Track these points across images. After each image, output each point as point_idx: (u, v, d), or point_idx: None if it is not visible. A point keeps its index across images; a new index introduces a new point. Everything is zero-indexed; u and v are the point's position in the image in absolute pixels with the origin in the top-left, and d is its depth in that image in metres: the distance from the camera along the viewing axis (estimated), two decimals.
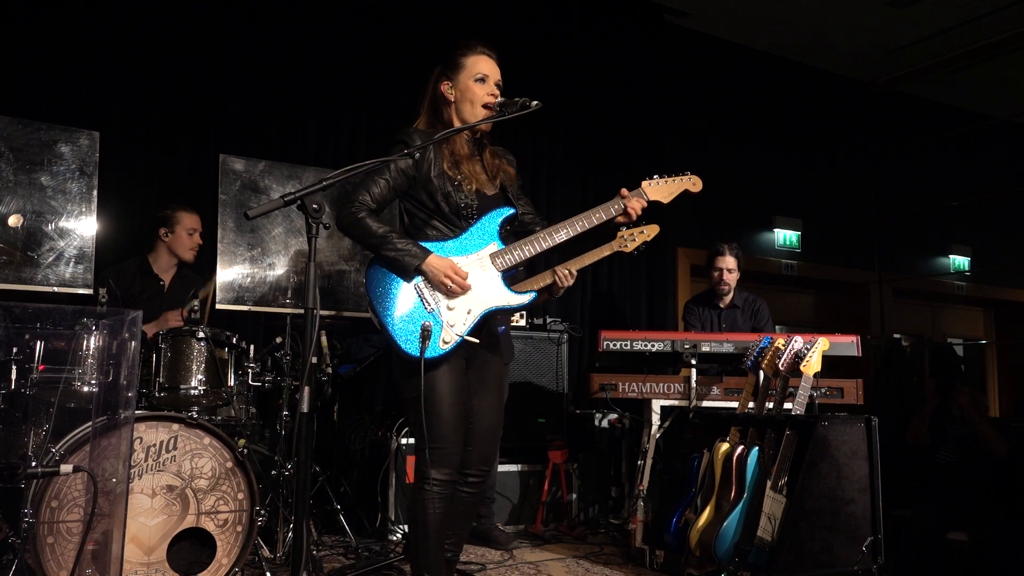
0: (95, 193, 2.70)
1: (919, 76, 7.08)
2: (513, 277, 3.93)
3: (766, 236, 6.64)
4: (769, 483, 3.29)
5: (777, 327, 7.38)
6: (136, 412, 2.64)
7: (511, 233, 2.57)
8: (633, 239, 3.81)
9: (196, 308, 2.95)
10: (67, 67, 4.09)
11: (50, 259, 2.62)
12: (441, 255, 2.39)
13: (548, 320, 4.78)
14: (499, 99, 2.46)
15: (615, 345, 4.01)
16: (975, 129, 7.58)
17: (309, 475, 1.91)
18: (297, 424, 1.72)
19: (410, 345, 2.32)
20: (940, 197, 7.15)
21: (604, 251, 3.84)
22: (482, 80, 2.49)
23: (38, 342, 2.63)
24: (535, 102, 2.35)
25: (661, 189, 2.74)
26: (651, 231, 3.84)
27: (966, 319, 8.20)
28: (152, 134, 4.25)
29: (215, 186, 2.96)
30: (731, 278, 4.63)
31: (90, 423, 2.39)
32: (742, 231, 6.50)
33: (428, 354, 2.30)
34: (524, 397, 4.59)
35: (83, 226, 2.70)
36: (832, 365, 4.39)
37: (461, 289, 2.37)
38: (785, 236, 6.67)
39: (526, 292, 2.53)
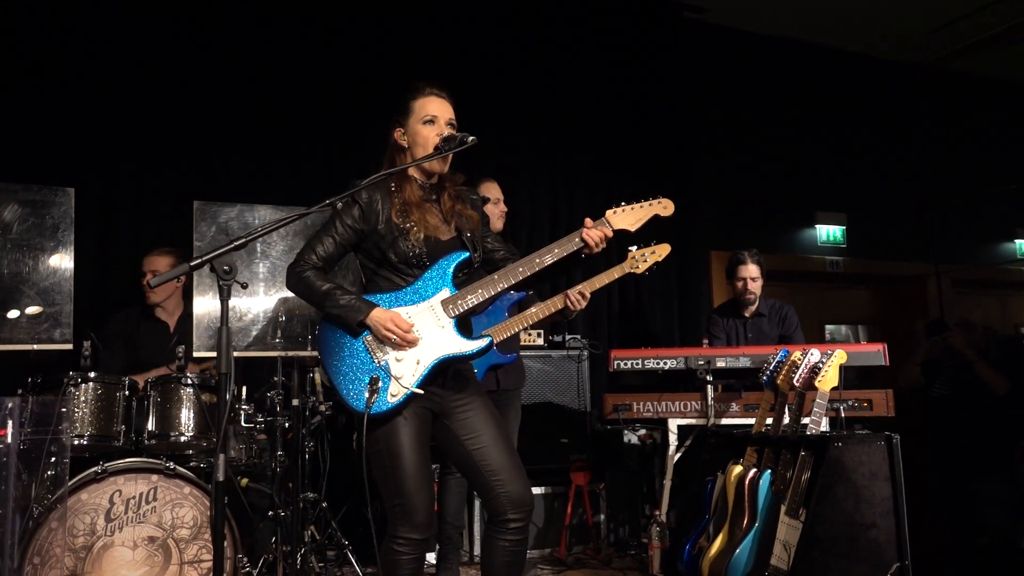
0: (72, 249, 2.75)
1: (970, 52, 6.66)
2: (521, 304, 3.88)
3: (808, 233, 6.35)
4: (784, 508, 3.12)
5: (830, 327, 7.10)
6: (114, 464, 2.68)
7: (470, 277, 2.45)
8: (644, 259, 3.69)
9: (181, 356, 2.97)
10: (39, 127, 4.10)
11: (29, 317, 2.68)
12: (387, 307, 2.31)
13: (567, 337, 4.67)
14: (443, 134, 2.38)
15: (626, 364, 3.89)
16: None
17: (222, 547, 1.86)
18: (214, 492, 1.68)
19: (358, 400, 2.24)
20: (998, 179, 6.72)
21: (615, 273, 3.73)
22: (431, 122, 2.40)
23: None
24: (471, 137, 2.28)
25: (627, 216, 2.52)
26: (662, 251, 3.71)
27: None
28: (127, 185, 4.26)
29: (190, 232, 2.98)
30: (755, 287, 4.42)
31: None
32: (781, 230, 6.25)
33: (375, 409, 2.20)
34: (545, 417, 4.50)
35: (61, 282, 2.75)
36: (865, 373, 4.17)
37: (404, 340, 2.28)
38: (829, 232, 6.37)
39: (480, 338, 2.39)
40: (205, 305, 3.05)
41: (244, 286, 1.81)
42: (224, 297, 1.77)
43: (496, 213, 3.86)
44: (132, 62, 4.40)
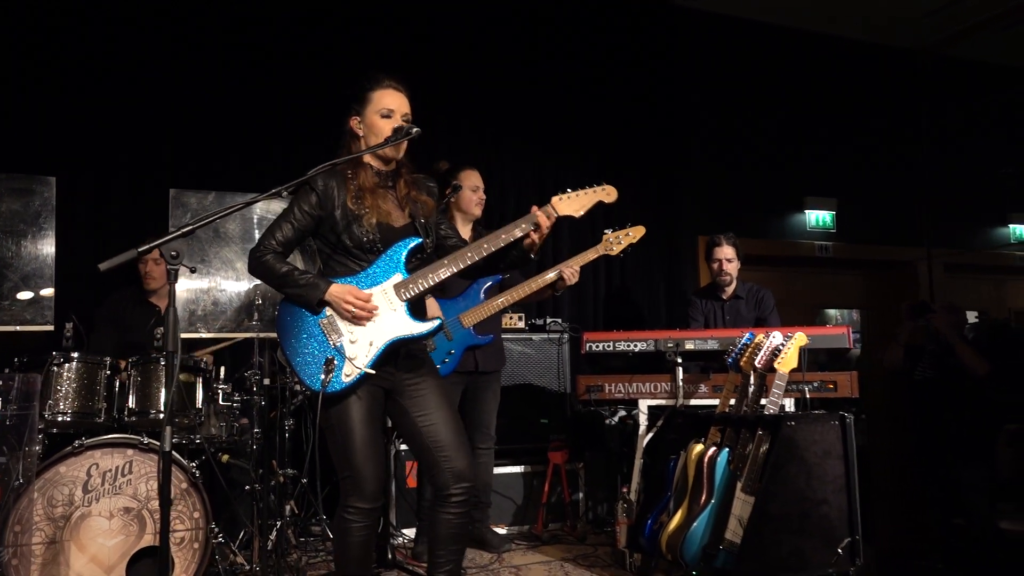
0: (53, 235, 2.89)
1: (964, 37, 6.65)
2: (501, 284, 4.00)
3: (797, 218, 6.41)
4: (739, 485, 3.22)
5: (834, 311, 7.14)
6: (91, 440, 2.83)
7: (423, 262, 2.55)
8: (619, 242, 3.81)
9: (159, 337, 3.12)
10: (20, 115, 4.22)
11: (11, 299, 2.83)
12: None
13: (548, 320, 4.79)
14: (394, 126, 2.49)
15: (598, 347, 3.98)
16: None
17: (169, 514, 1.99)
18: (162, 465, 1.82)
19: (313, 380, 2.39)
20: (992, 164, 6.72)
21: (590, 255, 3.85)
22: (387, 116, 2.51)
23: None
24: (416, 128, 2.42)
25: (572, 203, 2.62)
26: (636, 233, 3.83)
27: None
28: (108, 173, 4.38)
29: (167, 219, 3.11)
30: (731, 268, 4.52)
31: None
32: (770, 215, 6.31)
33: (330, 388, 2.35)
34: (525, 399, 4.62)
35: (43, 267, 2.90)
36: (836, 356, 4.23)
37: (365, 311, 2.40)
38: (818, 217, 6.42)
39: (430, 320, 2.52)
40: (187, 302, 3.18)
41: (192, 270, 1.94)
42: (171, 280, 1.91)
43: (475, 200, 3.96)
44: (129, 58, 4.54)
